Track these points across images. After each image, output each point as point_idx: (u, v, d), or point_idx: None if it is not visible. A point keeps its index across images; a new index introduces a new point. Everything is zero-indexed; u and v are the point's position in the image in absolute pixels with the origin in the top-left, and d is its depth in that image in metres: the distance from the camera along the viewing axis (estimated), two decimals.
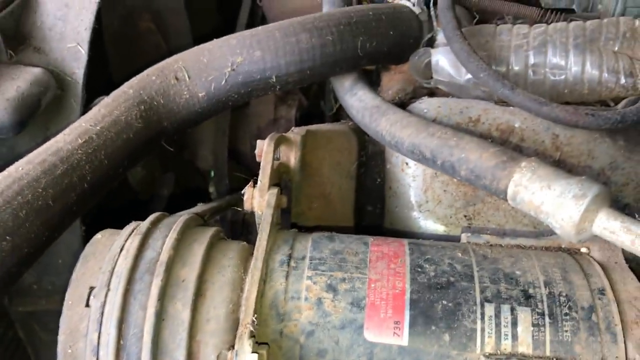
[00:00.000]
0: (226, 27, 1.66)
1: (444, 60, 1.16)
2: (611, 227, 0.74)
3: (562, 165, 1.03)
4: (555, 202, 0.77)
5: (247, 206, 0.84)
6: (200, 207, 1.04)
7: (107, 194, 0.96)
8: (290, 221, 1.01)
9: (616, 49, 1.09)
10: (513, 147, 1.05)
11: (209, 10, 1.76)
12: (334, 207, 1.04)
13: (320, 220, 1.00)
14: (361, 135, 1.16)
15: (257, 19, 1.76)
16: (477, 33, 1.18)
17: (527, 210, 0.81)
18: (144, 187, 1.43)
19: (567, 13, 1.34)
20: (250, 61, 1.05)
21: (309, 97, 1.70)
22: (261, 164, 0.86)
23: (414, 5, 1.29)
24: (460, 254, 0.78)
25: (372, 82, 1.27)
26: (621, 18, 1.13)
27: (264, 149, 0.88)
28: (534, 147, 1.05)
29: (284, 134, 0.96)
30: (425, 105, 1.11)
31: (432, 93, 1.24)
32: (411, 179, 1.05)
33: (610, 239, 0.74)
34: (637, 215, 0.93)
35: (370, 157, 1.15)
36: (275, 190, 0.83)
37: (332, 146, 1.08)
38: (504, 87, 1.02)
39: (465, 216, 1.00)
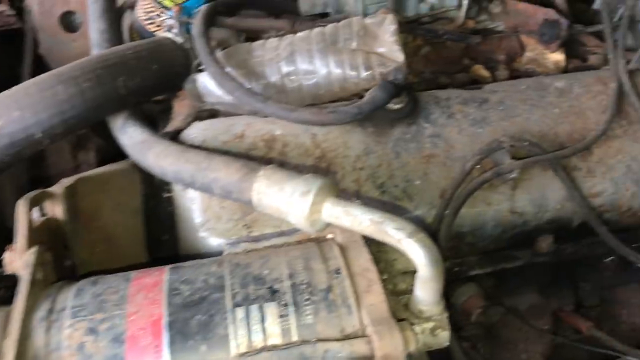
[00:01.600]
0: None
1: (210, 83, 1.22)
2: (335, 213, 0.84)
3: (324, 159, 1.14)
4: (288, 201, 0.86)
5: (8, 270, 0.86)
6: None
7: None
8: (78, 272, 1.03)
9: (354, 46, 1.21)
10: (278, 153, 1.14)
11: None
12: (120, 247, 1.07)
13: (106, 263, 1.03)
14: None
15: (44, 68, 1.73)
16: (235, 53, 1.26)
17: (272, 213, 0.90)
18: None
19: (323, 17, 1.46)
20: (11, 122, 1.05)
21: None
22: (15, 226, 0.88)
23: (175, 36, 1.35)
24: (215, 268, 0.85)
25: (153, 116, 1.32)
26: (354, 19, 1.25)
27: (16, 209, 0.90)
28: (297, 150, 1.15)
29: (45, 189, 0.98)
30: (194, 130, 1.18)
31: (215, 114, 1.31)
32: (191, 202, 1.11)
33: (338, 223, 0.85)
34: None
35: (158, 188, 1.19)
36: (34, 249, 0.85)
37: (110, 187, 1.11)
38: (257, 101, 1.11)
39: (244, 225, 1.07)
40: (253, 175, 0.91)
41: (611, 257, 1.18)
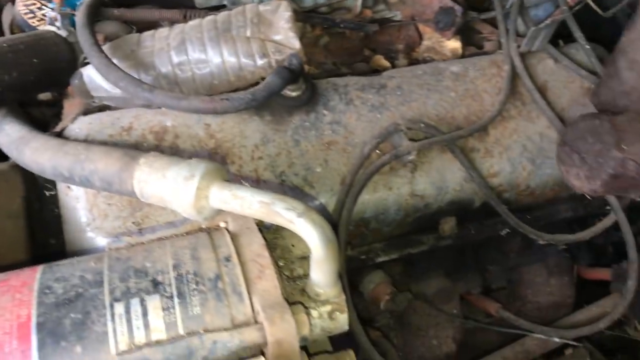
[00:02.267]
0: None
1: (97, 77, 1.15)
2: (223, 197, 0.79)
3: (219, 150, 1.09)
4: (171, 188, 0.80)
5: None
6: None
7: None
8: None
9: (248, 34, 1.17)
10: (170, 145, 1.08)
11: None
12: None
13: None
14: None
15: None
16: (123, 44, 1.19)
17: (157, 203, 0.84)
18: None
19: (220, 9, 1.41)
20: None
21: None
22: None
23: (58, 29, 1.27)
24: (93, 264, 0.78)
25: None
26: (247, 6, 1.21)
27: None
28: (190, 141, 1.09)
29: None
30: (78, 124, 1.10)
31: (105, 110, 1.23)
32: (75, 201, 1.03)
33: (227, 208, 0.80)
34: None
35: (43, 189, 1.11)
36: None
37: None
38: (143, 90, 1.04)
39: (134, 223, 1.01)
40: (134, 163, 0.85)
41: (506, 230, 1.19)
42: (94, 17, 1.21)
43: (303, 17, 1.32)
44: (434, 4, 1.41)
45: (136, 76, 1.15)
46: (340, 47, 1.41)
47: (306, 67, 1.32)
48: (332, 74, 1.34)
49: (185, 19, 1.28)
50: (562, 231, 1.24)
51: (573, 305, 1.41)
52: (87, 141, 1.06)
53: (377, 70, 1.38)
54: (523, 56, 1.26)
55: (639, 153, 0.85)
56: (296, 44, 1.15)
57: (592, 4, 1.25)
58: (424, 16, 1.43)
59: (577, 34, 1.27)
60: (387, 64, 1.39)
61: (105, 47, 1.17)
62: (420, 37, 1.43)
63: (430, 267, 1.26)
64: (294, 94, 1.15)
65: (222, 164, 1.03)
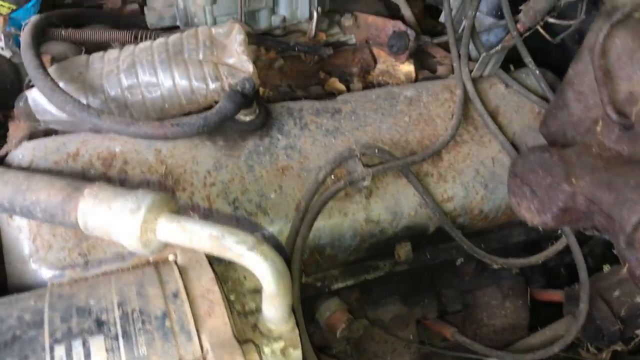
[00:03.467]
0: None
1: (42, 100, 1.11)
2: (171, 231, 0.76)
3: (171, 176, 1.06)
4: (117, 221, 0.77)
5: None
6: None
7: None
8: None
9: (201, 57, 1.15)
10: (118, 172, 1.05)
11: None
12: None
13: None
14: None
15: None
16: (70, 66, 1.15)
17: (102, 235, 0.81)
18: None
19: (172, 30, 1.39)
20: None
21: None
22: None
23: (2, 49, 1.22)
24: (33, 302, 0.74)
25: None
26: (199, 28, 1.19)
27: None
28: (139, 167, 1.06)
29: None
30: (21, 150, 1.05)
31: (51, 134, 1.19)
32: (18, 231, 0.98)
33: (175, 242, 0.77)
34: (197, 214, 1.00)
35: None
36: None
37: None
38: (90, 115, 1.00)
39: (80, 254, 0.96)
40: (78, 194, 0.81)
41: (460, 259, 1.20)
42: (40, 37, 1.17)
43: (257, 40, 1.30)
44: (387, 28, 1.42)
45: (84, 99, 1.11)
46: (295, 69, 1.40)
47: (261, 90, 1.30)
48: (287, 96, 1.33)
49: (136, 40, 1.25)
50: (515, 254, 1.25)
51: (528, 327, 1.42)
52: (31, 168, 1.01)
53: (332, 94, 1.37)
54: (475, 81, 1.27)
55: (587, 187, 0.86)
56: (249, 68, 1.14)
57: (541, 30, 1.27)
58: (378, 40, 1.43)
59: (527, 59, 1.29)
60: (342, 87, 1.39)
61: (51, 69, 1.13)
62: (375, 60, 1.43)
63: (387, 293, 1.25)
64: (247, 118, 1.13)
65: (171, 194, 0.99)
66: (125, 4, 1.55)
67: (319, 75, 1.42)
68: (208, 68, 1.14)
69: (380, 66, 1.42)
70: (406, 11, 1.52)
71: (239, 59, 1.15)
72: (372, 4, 1.58)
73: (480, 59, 1.24)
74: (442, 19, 1.55)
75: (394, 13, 1.55)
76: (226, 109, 1.05)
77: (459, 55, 1.30)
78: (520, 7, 1.29)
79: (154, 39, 1.23)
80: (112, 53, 1.17)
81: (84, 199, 0.80)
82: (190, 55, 1.15)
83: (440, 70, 1.42)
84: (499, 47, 1.23)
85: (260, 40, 1.30)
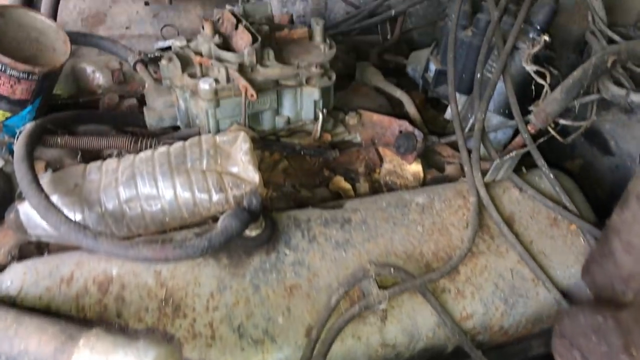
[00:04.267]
0: None
1: (34, 214, 1.04)
2: None
3: (172, 301, 0.98)
4: None
5: None
6: None
7: None
8: None
9: (204, 167, 1.10)
10: (115, 298, 0.97)
11: None
12: None
13: None
14: None
15: None
16: (66, 177, 1.10)
17: None
18: None
19: (173, 130, 1.34)
20: None
21: None
22: None
23: None
24: None
25: None
26: (203, 137, 1.14)
27: None
28: (138, 292, 0.98)
29: None
30: (10, 275, 0.98)
31: (43, 246, 1.12)
32: None
33: None
34: None
35: None
36: None
37: None
38: (86, 237, 0.94)
39: None
40: (72, 344, 0.73)
41: None
42: (35, 147, 1.12)
43: (262, 144, 1.26)
44: (393, 127, 1.38)
45: (80, 213, 1.05)
46: (299, 169, 1.35)
47: (264, 191, 1.25)
48: (291, 196, 1.28)
49: (136, 145, 1.20)
50: None
51: None
52: (20, 296, 0.94)
53: (338, 194, 1.32)
54: (488, 186, 1.23)
55: None
56: (255, 178, 1.09)
57: (553, 132, 1.24)
58: (384, 139, 1.39)
59: (540, 161, 1.25)
60: (347, 186, 1.34)
61: (45, 180, 1.07)
62: (381, 159, 1.39)
63: None
64: (253, 233, 1.07)
65: (174, 345, 0.91)
66: (122, 99, 1.51)
67: (323, 173, 1.37)
68: (212, 178, 1.08)
69: (387, 166, 1.37)
70: (410, 108, 1.49)
71: (244, 168, 1.10)
72: (374, 99, 1.55)
73: (494, 165, 1.20)
74: (447, 115, 1.52)
75: (396, 107, 1.52)
76: (232, 228, 0.99)
77: (469, 158, 1.25)
78: (530, 108, 1.26)
79: (155, 145, 1.18)
80: (110, 163, 1.12)
81: (79, 351, 0.72)
82: (193, 165, 1.09)
83: (449, 169, 1.38)
84: (513, 154, 1.19)
85: (266, 145, 1.26)
